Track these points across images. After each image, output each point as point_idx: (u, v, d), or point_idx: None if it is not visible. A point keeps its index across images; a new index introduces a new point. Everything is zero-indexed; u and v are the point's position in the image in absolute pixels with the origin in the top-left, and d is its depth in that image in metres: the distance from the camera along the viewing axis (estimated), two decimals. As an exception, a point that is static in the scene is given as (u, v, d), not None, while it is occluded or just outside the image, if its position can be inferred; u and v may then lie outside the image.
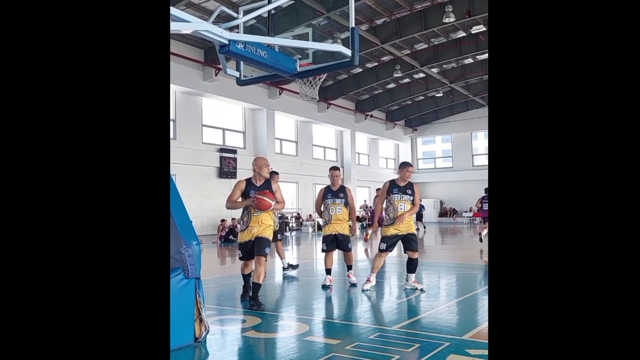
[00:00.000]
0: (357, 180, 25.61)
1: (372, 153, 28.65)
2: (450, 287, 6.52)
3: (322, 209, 6.37)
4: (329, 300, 5.60)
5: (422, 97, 26.23)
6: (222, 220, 16.62)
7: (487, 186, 18.12)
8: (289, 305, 5.42)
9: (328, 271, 6.28)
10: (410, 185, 5.85)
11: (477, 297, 5.58)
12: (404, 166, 5.91)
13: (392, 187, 5.81)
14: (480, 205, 15.13)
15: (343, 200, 6.30)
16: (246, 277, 5.31)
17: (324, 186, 6.53)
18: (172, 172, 3.52)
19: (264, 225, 5.02)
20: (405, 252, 5.84)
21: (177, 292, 3.32)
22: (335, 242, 6.24)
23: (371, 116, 26.28)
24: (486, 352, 3.30)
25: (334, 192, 6.32)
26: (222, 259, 11.49)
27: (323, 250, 6.29)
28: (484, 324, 4.10)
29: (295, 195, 22.23)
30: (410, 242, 5.75)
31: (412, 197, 5.79)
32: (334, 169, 6.53)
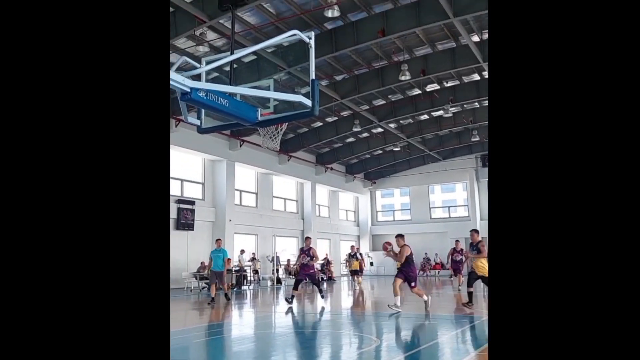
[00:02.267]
0: (317, 232, 25.56)
1: (333, 205, 28.84)
2: (411, 338, 6.47)
3: None
4: (287, 351, 5.44)
5: (380, 151, 26.95)
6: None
7: (455, 238, 18.57)
8: (244, 357, 5.22)
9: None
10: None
11: (438, 346, 5.56)
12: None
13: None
14: (450, 257, 15.51)
15: None
16: None
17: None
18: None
19: None
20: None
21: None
22: None
23: (331, 169, 26.67)
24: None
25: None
26: (175, 312, 11.02)
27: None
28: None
29: (255, 248, 21.88)
30: None
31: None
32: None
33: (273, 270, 19.49)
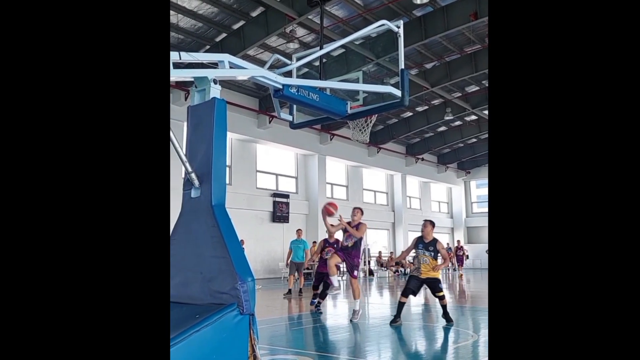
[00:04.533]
0: (408, 225, 25.20)
1: (424, 197, 28.25)
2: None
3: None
4: (382, 342, 5.46)
5: (474, 140, 25.85)
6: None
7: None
8: (342, 347, 5.33)
9: None
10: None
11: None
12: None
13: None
14: None
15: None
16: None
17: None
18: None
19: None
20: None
21: (232, 328, 3.37)
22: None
23: (422, 159, 26.11)
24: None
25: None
26: (273, 300, 11.50)
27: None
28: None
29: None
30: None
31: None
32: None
33: (365, 262, 19.57)
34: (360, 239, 7.14)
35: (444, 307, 6.41)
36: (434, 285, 6.41)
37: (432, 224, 6.75)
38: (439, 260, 6.74)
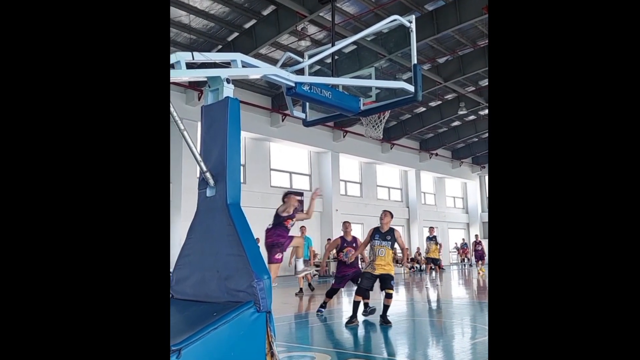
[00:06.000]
0: (423, 220, 25.07)
1: (439, 192, 28.07)
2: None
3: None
4: (398, 339, 5.46)
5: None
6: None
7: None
8: (357, 344, 5.33)
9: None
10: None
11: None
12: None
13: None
14: None
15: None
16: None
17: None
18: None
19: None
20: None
21: (249, 326, 3.39)
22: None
23: (436, 155, 25.93)
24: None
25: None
26: (289, 298, 11.53)
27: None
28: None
29: (360, 236, 22.08)
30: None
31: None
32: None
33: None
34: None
35: (386, 306, 6.18)
36: (387, 282, 6.22)
37: (391, 214, 6.60)
38: (397, 249, 6.61)
